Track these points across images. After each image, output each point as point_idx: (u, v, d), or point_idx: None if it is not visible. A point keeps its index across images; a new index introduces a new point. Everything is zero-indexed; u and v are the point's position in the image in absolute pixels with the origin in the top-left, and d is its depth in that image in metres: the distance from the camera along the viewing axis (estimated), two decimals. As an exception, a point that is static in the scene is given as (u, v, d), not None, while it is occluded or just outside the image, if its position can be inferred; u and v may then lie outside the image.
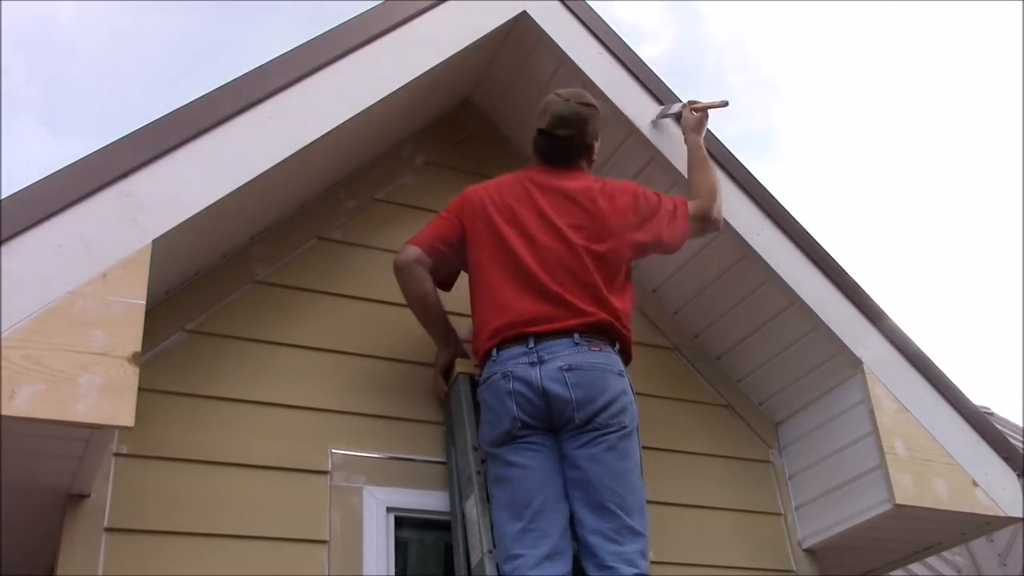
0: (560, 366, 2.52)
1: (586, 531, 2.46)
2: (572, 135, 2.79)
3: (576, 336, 2.57)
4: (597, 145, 2.90)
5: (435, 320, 2.82)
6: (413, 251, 2.75)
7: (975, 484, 3.07)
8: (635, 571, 2.39)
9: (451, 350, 2.84)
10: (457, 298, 2.87)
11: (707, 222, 2.89)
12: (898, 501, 2.89)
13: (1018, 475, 3.16)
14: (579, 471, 2.49)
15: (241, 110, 2.51)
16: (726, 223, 3.12)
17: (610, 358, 2.60)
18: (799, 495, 3.25)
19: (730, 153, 3.23)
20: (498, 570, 2.44)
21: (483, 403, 2.64)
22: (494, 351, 2.62)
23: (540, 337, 2.57)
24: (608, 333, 2.63)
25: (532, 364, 2.54)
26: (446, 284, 2.86)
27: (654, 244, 2.81)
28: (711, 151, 3.14)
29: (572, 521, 2.49)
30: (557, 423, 2.53)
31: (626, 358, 2.69)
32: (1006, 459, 3.17)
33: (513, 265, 2.67)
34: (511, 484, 2.51)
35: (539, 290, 2.62)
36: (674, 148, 3.15)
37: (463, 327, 2.89)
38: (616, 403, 2.54)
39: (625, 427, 2.54)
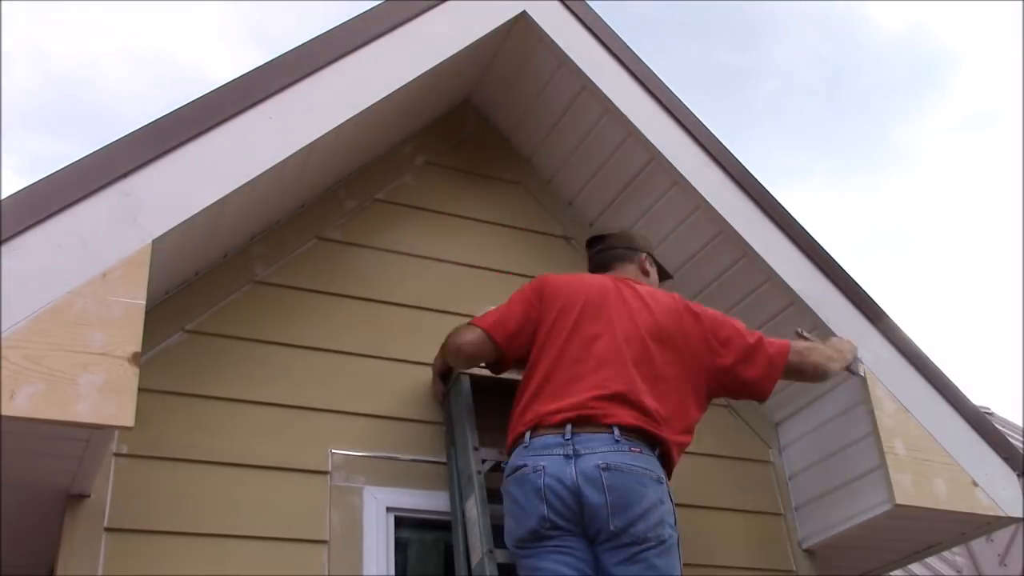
0: (598, 464, 2.33)
1: None
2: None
3: (616, 432, 2.40)
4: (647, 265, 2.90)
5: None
6: (486, 348, 2.64)
7: (975, 484, 3.07)
8: None
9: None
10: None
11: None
12: (898, 501, 2.89)
13: (1018, 475, 3.15)
14: None
15: (241, 110, 2.51)
16: (726, 222, 3.12)
17: (650, 462, 2.41)
18: (799, 495, 3.25)
19: (728, 152, 3.23)
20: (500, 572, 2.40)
21: (507, 496, 2.46)
22: (527, 435, 2.45)
23: (578, 427, 2.40)
24: (647, 435, 2.45)
25: (567, 457, 2.36)
26: (500, 368, 2.74)
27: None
28: (713, 153, 3.15)
29: None
30: (590, 530, 2.33)
31: (665, 464, 2.49)
32: (1006, 459, 3.17)
33: (584, 354, 2.53)
34: None
35: (601, 384, 2.47)
36: (675, 148, 3.15)
37: None
38: (655, 512, 2.34)
39: (664, 541, 2.35)
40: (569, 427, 2.40)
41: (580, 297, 2.65)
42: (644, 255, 2.92)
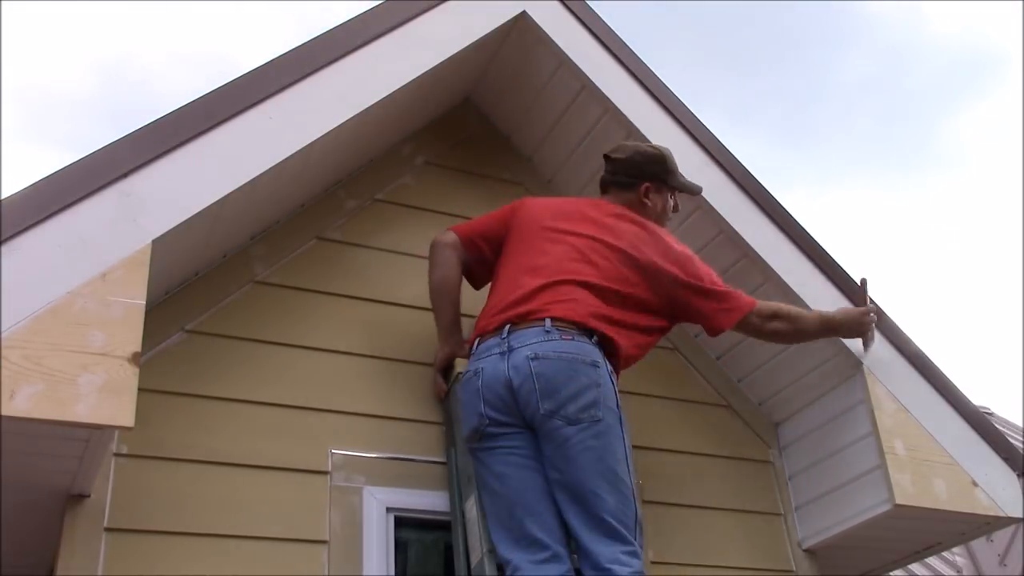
0: (527, 355, 2.43)
1: (576, 533, 2.39)
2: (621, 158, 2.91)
3: (547, 323, 2.48)
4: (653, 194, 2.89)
5: (444, 308, 2.80)
6: (450, 236, 2.81)
7: (975, 484, 3.07)
8: (629, 570, 2.30)
9: (449, 348, 2.81)
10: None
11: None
12: (898, 501, 2.89)
13: (1018, 475, 3.15)
14: (559, 473, 2.41)
15: (241, 110, 2.51)
16: (726, 222, 3.12)
17: (583, 347, 2.46)
18: (799, 495, 3.25)
19: (728, 152, 3.23)
20: (499, 572, 2.43)
21: (457, 403, 2.65)
22: (477, 343, 2.60)
23: (515, 325, 2.51)
24: (580, 326, 2.50)
25: (502, 355, 2.47)
26: (476, 281, 2.89)
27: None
28: (713, 153, 3.15)
29: (571, 529, 2.42)
30: (526, 417, 2.44)
31: (607, 352, 2.53)
32: (1006, 459, 3.17)
33: (535, 260, 2.66)
34: (495, 495, 2.47)
35: (533, 279, 2.60)
36: (674, 148, 3.15)
37: (469, 329, 2.88)
38: (586, 394, 2.40)
39: (599, 420, 2.40)
40: (508, 327, 2.51)
41: (548, 214, 2.77)
42: (647, 184, 2.87)
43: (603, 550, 2.33)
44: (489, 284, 2.83)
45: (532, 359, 2.42)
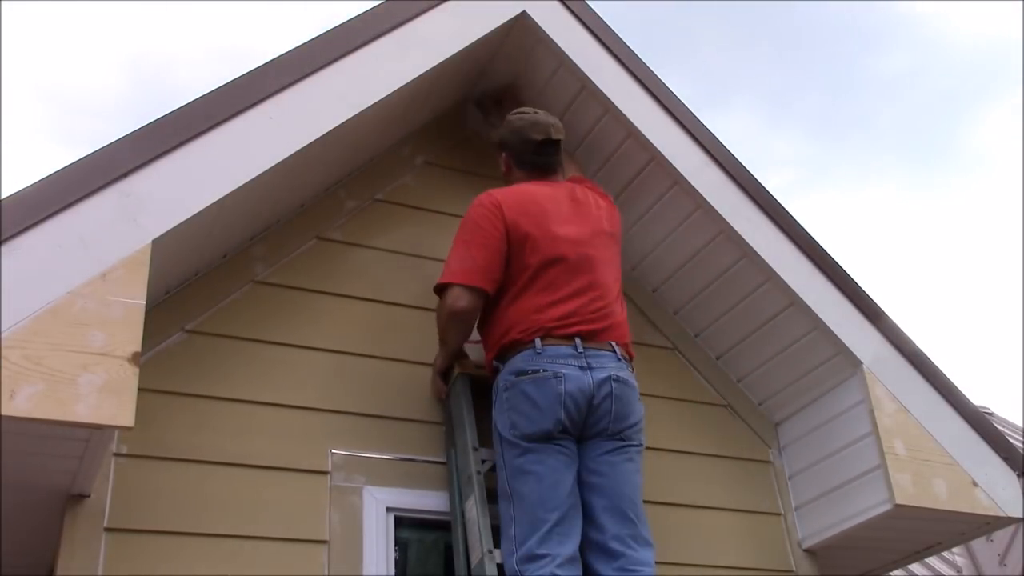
0: (610, 378, 2.61)
1: (607, 536, 2.53)
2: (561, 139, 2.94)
3: (617, 351, 2.68)
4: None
5: (459, 342, 2.81)
6: (472, 299, 2.69)
7: (975, 484, 3.07)
8: (651, 571, 2.50)
9: (453, 359, 2.83)
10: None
11: None
12: (898, 501, 2.89)
13: (1018, 475, 3.15)
14: (603, 477, 2.58)
15: (241, 110, 2.51)
16: (726, 222, 3.12)
17: (633, 376, 2.72)
18: (799, 495, 3.25)
19: (728, 152, 3.23)
20: (516, 566, 2.43)
21: (520, 394, 2.59)
22: (537, 342, 2.61)
23: (586, 341, 2.64)
24: (629, 352, 2.77)
25: (583, 369, 2.59)
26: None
27: None
28: (713, 153, 3.16)
29: (590, 531, 2.54)
30: (588, 431, 2.59)
31: None
32: (1006, 459, 3.17)
33: (559, 269, 2.72)
34: (539, 484, 2.51)
35: (586, 296, 2.71)
36: (675, 148, 3.15)
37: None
38: (641, 422, 2.70)
39: (642, 444, 2.69)
40: (579, 340, 2.63)
41: (540, 208, 2.78)
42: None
43: (632, 554, 2.51)
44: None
45: (615, 382, 2.62)
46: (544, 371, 2.58)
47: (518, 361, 2.63)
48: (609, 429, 2.60)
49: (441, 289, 2.74)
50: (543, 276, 2.71)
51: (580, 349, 2.62)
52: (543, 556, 2.42)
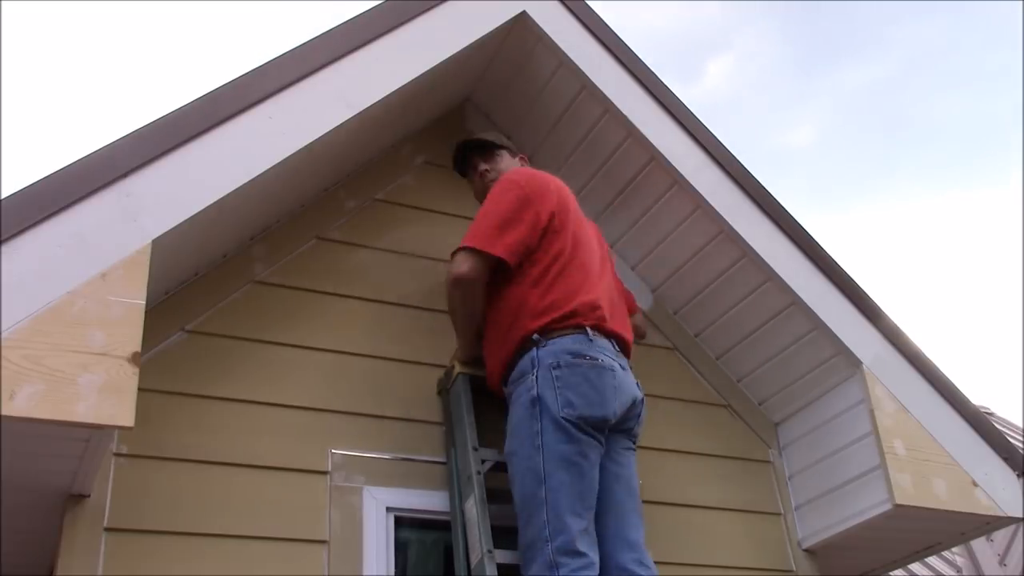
0: (636, 383, 2.73)
1: (631, 529, 2.58)
2: None
3: (628, 358, 2.78)
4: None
5: (473, 325, 2.78)
6: (485, 263, 2.67)
7: (975, 484, 3.07)
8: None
9: (473, 351, 2.81)
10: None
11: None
12: (898, 501, 2.89)
13: (1018, 475, 3.16)
14: (620, 468, 2.65)
15: (241, 110, 2.51)
16: (726, 222, 3.12)
17: None
18: (799, 495, 3.25)
19: (728, 152, 3.23)
20: (552, 555, 2.36)
21: (580, 375, 2.54)
22: (589, 330, 2.61)
23: (618, 342, 2.72)
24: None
25: (623, 369, 2.67)
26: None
27: None
28: (713, 153, 3.16)
29: (610, 520, 2.57)
30: (614, 425, 2.61)
31: None
32: (1006, 459, 3.17)
33: (588, 262, 2.79)
34: (581, 480, 2.49)
35: (609, 299, 2.79)
36: (674, 148, 3.15)
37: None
38: (644, 424, 2.78)
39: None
40: (615, 341, 2.71)
41: (556, 197, 2.82)
42: None
43: (645, 551, 2.59)
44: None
45: (638, 386, 2.74)
46: (603, 360, 2.59)
47: (570, 342, 2.58)
48: (634, 430, 2.71)
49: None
50: (575, 264, 2.73)
51: (617, 349, 2.69)
52: (583, 555, 2.38)
